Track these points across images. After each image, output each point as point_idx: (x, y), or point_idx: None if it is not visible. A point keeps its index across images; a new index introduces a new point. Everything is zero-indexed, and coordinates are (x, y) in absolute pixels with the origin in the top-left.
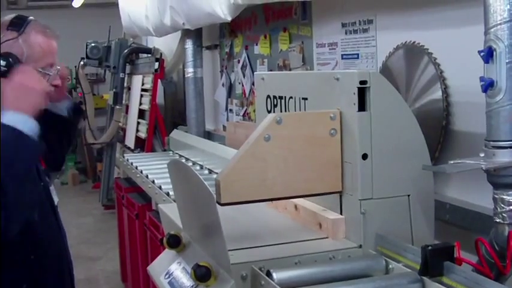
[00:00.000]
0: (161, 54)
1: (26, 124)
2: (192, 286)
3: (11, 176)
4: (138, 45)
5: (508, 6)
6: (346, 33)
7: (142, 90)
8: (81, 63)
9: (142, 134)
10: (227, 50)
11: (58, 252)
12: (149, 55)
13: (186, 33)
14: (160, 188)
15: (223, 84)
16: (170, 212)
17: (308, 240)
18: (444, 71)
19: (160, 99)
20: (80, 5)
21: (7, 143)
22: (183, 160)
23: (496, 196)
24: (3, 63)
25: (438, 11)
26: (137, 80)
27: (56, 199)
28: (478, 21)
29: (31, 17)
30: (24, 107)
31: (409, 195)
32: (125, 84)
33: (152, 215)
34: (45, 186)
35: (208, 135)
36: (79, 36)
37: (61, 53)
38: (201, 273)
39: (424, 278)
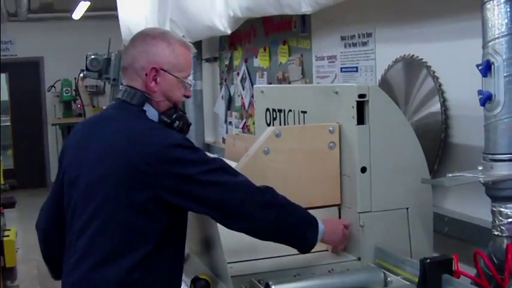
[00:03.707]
0: None
1: None
2: None
3: None
4: None
5: (506, 21)
6: (345, 46)
7: None
8: (81, 75)
9: None
10: (227, 62)
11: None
12: None
13: None
14: None
15: (222, 97)
16: None
17: (307, 252)
18: (443, 84)
19: None
20: (79, 17)
21: None
22: None
23: (494, 209)
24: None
25: (437, 25)
26: None
27: None
28: (476, 35)
29: (165, 29)
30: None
31: (407, 208)
32: None
33: None
34: None
35: (208, 148)
36: (79, 48)
37: (61, 65)
38: (200, 286)
39: None
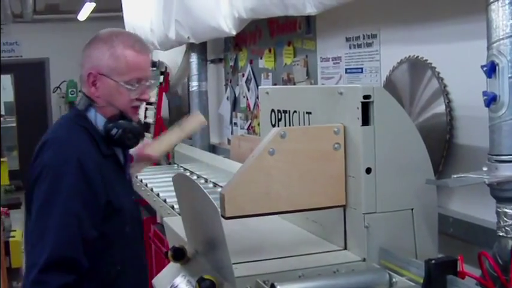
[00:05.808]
0: (166, 67)
1: None
2: None
3: None
4: None
5: (511, 22)
6: (350, 47)
7: (147, 103)
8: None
9: None
10: (232, 63)
11: (140, 266)
12: (154, 68)
13: (191, 47)
14: (165, 201)
15: (227, 98)
16: (175, 225)
17: (312, 253)
18: (447, 85)
19: (165, 112)
20: (85, 18)
21: None
22: (188, 173)
23: (499, 210)
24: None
25: (441, 26)
26: None
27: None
28: (481, 36)
29: (120, 30)
30: None
31: (412, 209)
32: None
33: (157, 228)
34: (136, 202)
35: (213, 149)
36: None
37: (66, 66)
38: (205, 286)
39: None
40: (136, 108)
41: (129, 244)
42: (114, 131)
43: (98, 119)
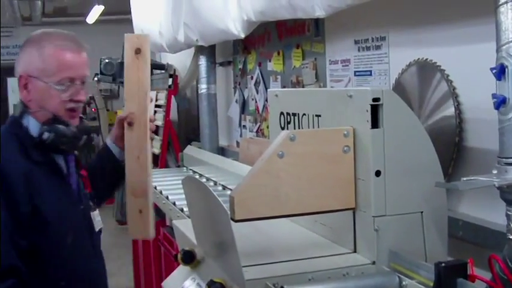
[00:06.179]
0: (175, 70)
1: None
2: None
3: None
4: (152, 61)
5: None
6: (359, 50)
7: (156, 106)
8: (95, 79)
9: (156, 150)
10: (240, 66)
11: (92, 281)
12: (163, 71)
13: (200, 50)
14: (174, 204)
15: (236, 101)
16: (184, 228)
17: (322, 256)
18: (457, 88)
19: (173, 115)
20: (94, 21)
21: None
22: (197, 176)
23: (509, 213)
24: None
25: (450, 28)
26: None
27: (98, 225)
28: (490, 38)
29: (52, 30)
30: None
31: (422, 212)
32: None
33: (166, 231)
34: (85, 210)
35: (222, 151)
36: (93, 52)
37: None
38: None
39: None
40: (74, 110)
41: (74, 258)
42: (45, 135)
43: (30, 125)
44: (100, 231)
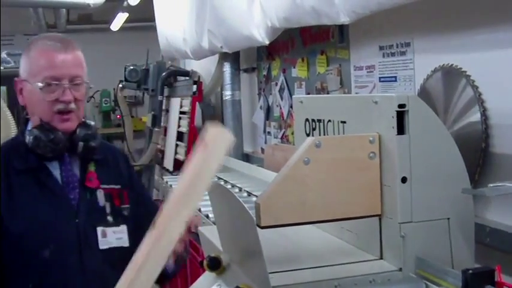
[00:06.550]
0: (199, 77)
1: None
2: None
3: None
4: (176, 68)
5: None
6: (383, 56)
7: (181, 112)
8: (120, 86)
9: (181, 156)
10: (265, 72)
11: None
12: (187, 78)
13: (224, 56)
14: (199, 210)
15: (261, 107)
16: (210, 235)
17: (348, 263)
18: (482, 94)
19: (198, 121)
20: (118, 28)
21: None
22: (222, 182)
23: None
24: None
25: (476, 34)
26: (175, 103)
27: (108, 243)
28: None
29: (44, 34)
30: None
31: (448, 219)
32: (163, 107)
33: (192, 237)
34: (85, 224)
35: (247, 158)
36: (117, 59)
37: (100, 75)
38: None
39: None
40: (63, 113)
41: (49, 274)
42: (27, 139)
43: (27, 130)
44: (113, 249)
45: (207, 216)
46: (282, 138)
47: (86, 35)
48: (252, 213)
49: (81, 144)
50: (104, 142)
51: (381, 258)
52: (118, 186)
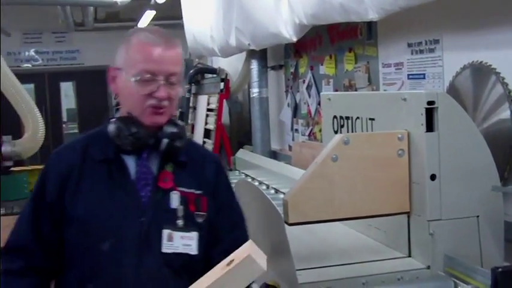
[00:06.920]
0: (226, 74)
1: None
2: None
3: None
4: (204, 65)
5: None
6: (412, 53)
7: (208, 110)
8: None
9: None
10: (292, 70)
11: None
12: (214, 75)
13: (251, 54)
14: None
15: (288, 104)
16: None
17: (376, 260)
18: None
19: (225, 119)
20: (145, 26)
21: None
22: (249, 179)
23: None
24: None
25: (505, 31)
26: (203, 100)
27: (173, 248)
28: None
29: (147, 27)
30: None
31: (478, 216)
32: (191, 104)
33: None
34: (149, 224)
35: (274, 155)
36: None
37: None
38: None
39: None
40: (156, 107)
41: (106, 269)
42: (109, 129)
43: (111, 120)
44: (177, 254)
45: None
46: (309, 135)
47: (113, 33)
48: (280, 210)
49: (165, 141)
50: (195, 144)
51: (409, 256)
52: (199, 192)
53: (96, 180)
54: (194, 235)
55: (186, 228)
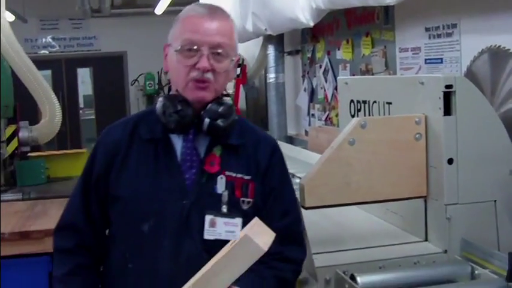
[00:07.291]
0: (243, 60)
1: None
2: None
3: None
4: None
5: None
6: (429, 37)
7: (225, 95)
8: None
9: None
10: (309, 55)
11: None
12: None
13: (268, 39)
14: None
15: (305, 89)
16: None
17: (392, 244)
18: None
19: (242, 104)
20: (162, 12)
21: None
22: None
23: None
24: None
25: None
26: None
27: (216, 234)
28: None
29: (199, 2)
30: None
31: (495, 201)
32: None
33: None
34: (190, 206)
35: (290, 140)
36: (161, 42)
37: (143, 59)
38: None
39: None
40: (198, 81)
41: (149, 250)
42: (156, 107)
43: (159, 99)
44: (220, 241)
45: None
46: (325, 120)
47: (130, 19)
48: (296, 194)
49: (206, 121)
50: (250, 126)
51: (426, 240)
52: (248, 177)
53: (141, 159)
54: (238, 221)
55: (230, 214)
